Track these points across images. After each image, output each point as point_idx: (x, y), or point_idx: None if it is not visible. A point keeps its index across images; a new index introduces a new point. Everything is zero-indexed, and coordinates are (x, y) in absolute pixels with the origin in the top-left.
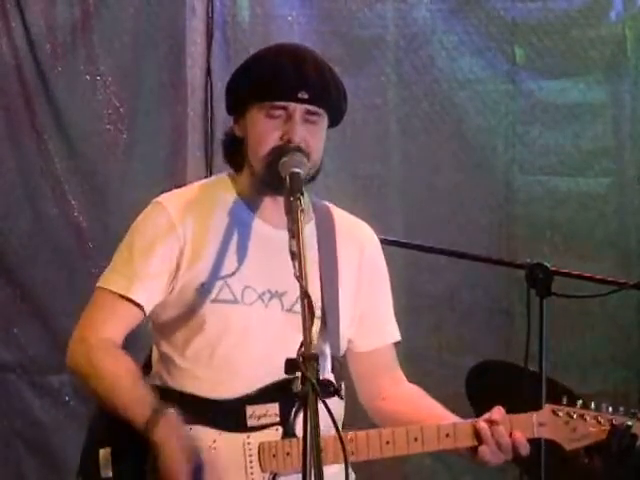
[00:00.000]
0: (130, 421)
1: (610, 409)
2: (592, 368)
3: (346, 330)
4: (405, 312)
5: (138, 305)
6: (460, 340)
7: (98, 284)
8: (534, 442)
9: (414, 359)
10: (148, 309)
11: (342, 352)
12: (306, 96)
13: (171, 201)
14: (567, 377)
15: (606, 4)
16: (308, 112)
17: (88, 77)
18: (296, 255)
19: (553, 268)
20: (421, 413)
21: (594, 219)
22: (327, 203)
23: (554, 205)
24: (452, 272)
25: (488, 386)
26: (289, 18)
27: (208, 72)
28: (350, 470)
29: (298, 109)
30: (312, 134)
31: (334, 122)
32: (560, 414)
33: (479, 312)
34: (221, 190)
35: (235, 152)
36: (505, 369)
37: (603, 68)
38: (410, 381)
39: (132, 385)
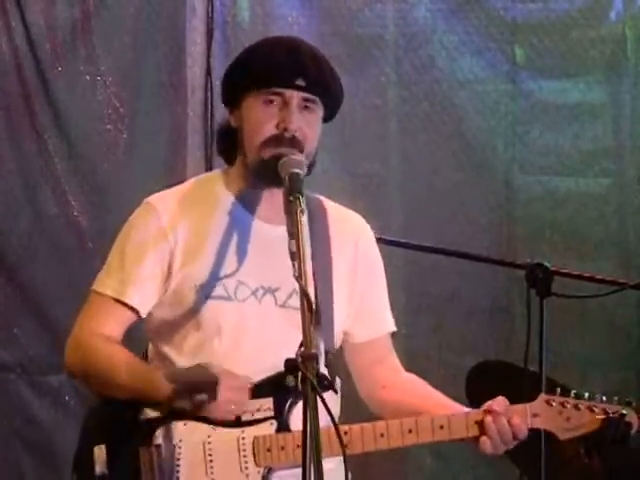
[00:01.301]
0: (138, 395)
1: (604, 398)
2: (592, 368)
3: (340, 324)
4: (405, 312)
5: (132, 308)
6: (460, 340)
7: (93, 287)
8: (534, 443)
9: (414, 359)
10: (144, 311)
11: (337, 346)
12: (303, 83)
13: (162, 202)
14: (567, 377)
15: (606, 4)
16: (305, 100)
17: (88, 77)
18: (296, 256)
19: (553, 268)
20: (426, 402)
21: (594, 219)
22: (319, 196)
23: (554, 205)
24: (452, 272)
25: (488, 386)
26: (289, 18)
27: (208, 72)
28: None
29: (295, 96)
30: (308, 123)
31: (330, 113)
32: (553, 404)
33: (479, 312)
34: (216, 189)
35: (229, 143)
36: (505, 369)
37: (603, 68)
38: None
39: (129, 360)
